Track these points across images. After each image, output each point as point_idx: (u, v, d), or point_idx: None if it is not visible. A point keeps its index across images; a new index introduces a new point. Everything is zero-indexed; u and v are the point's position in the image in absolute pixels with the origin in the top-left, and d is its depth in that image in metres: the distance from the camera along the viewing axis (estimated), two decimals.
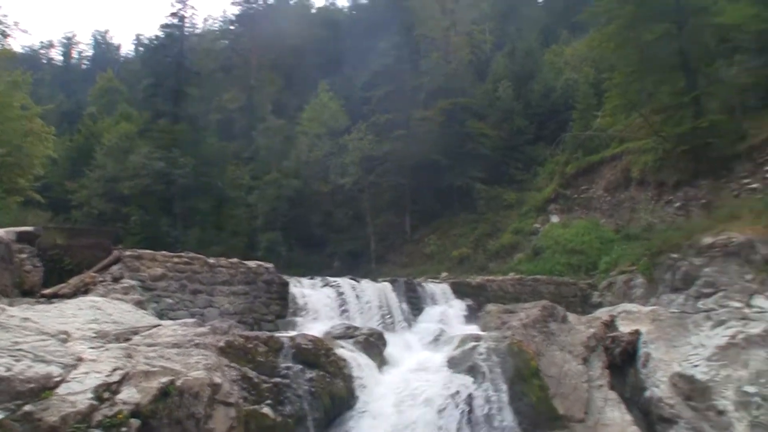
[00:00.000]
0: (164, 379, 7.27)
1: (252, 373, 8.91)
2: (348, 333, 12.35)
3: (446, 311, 17.17)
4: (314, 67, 57.08)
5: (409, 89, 41.60)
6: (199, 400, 7.46)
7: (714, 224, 19.10)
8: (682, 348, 13.04)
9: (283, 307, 15.10)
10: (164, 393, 7.16)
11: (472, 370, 11.01)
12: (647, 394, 11.95)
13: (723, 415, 11.04)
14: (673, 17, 24.49)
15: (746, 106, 23.97)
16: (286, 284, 15.40)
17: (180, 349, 8.47)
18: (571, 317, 14.69)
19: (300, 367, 9.68)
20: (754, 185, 21.39)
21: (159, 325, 9.64)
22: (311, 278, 16.56)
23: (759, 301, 15.56)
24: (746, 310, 14.83)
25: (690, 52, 24.44)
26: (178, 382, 7.37)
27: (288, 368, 9.54)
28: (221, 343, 9.10)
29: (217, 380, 7.91)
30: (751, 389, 11.40)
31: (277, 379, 9.18)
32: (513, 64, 44.98)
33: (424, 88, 41.63)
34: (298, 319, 14.76)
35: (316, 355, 10.14)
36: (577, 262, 24.27)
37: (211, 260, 14.64)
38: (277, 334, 10.78)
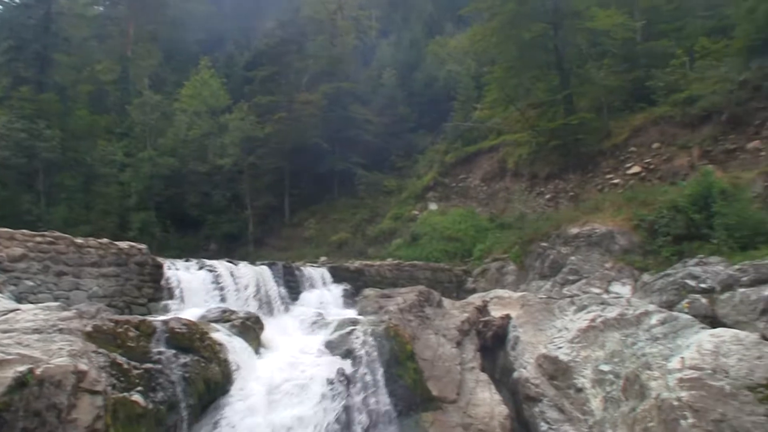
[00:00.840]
0: (21, 368, 6.68)
1: (122, 359, 8.44)
2: (224, 317, 12.03)
3: (324, 295, 17.18)
4: (196, 42, 54.82)
5: (293, 71, 41.05)
6: (61, 390, 6.96)
7: (580, 216, 20.39)
8: (548, 331, 13.83)
9: (156, 291, 14.47)
10: (21, 383, 6.56)
11: (349, 354, 11.11)
12: (515, 374, 12.57)
13: (581, 392, 11.84)
14: (550, 18, 25.74)
15: (612, 106, 25.68)
16: (159, 266, 14.76)
17: (41, 335, 7.88)
18: (446, 302, 15.16)
19: (173, 352, 9.30)
20: (616, 181, 23.02)
21: (17, 310, 8.94)
22: (186, 260, 15.97)
23: (616, 287, 16.85)
24: (605, 296, 16.02)
25: (564, 53, 25.82)
26: (38, 371, 6.83)
27: (161, 353, 9.15)
28: (88, 328, 8.57)
29: (83, 367, 7.41)
30: (606, 368, 12.30)
31: (149, 365, 8.78)
32: (398, 52, 45.53)
33: (308, 71, 41.23)
34: (173, 303, 14.22)
35: (191, 340, 9.79)
36: (453, 248, 25.03)
37: (79, 240, 13.75)
38: (149, 318, 10.29)
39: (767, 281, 13.61)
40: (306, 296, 16.88)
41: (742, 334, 12.20)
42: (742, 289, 13.74)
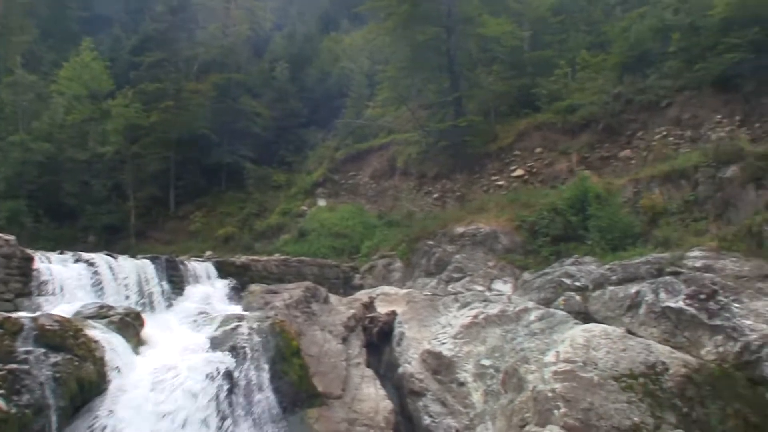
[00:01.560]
0: None
1: None
2: (101, 313, 11.36)
3: (209, 291, 16.67)
4: (78, 20, 51.63)
5: (183, 59, 39.60)
6: None
7: (466, 215, 20.99)
8: (433, 327, 14.12)
9: (25, 285, 13.39)
10: None
11: (234, 351, 10.82)
12: (400, 370, 12.73)
13: (463, 386, 12.18)
14: (444, 22, 26.34)
15: (499, 111, 26.66)
16: (30, 259, 13.68)
17: None
18: (333, 298, 15.13)
19: (43, 350, 8.64)
20: (500, 182, 23.90)
21: None
22: (61, 253, 14.91)
23: (498, 285, 17.48)
24: (487, 293, 16.54)
25: (456, 57, 26.50)
26: None
27: (28, 353, 8.47)
28: None
29: None
30: (487, 362, 12.72)
31: (14, 366, 8.11)
32: (292, 46, 44.94)
33: (198, 60, 39.91)
34: (44, 298, 13.25)
35: (63, 337, 9.14)
36: (341, 245, 25.05)
37: None
38: (15, 315, 9.54)
39: (633, 279, 14.61)
40: (190, 291, 16.28)
41: (610, 328, 13.03)
42: (611, 287, 14.66)
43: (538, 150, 24.26)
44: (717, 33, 21.99)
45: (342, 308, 14.56)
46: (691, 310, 13.36)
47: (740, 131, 20.84)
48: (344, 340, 13.27)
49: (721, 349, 12.74)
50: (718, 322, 13.07)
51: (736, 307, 13.24)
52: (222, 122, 35.81)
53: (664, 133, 22.39)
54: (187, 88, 36.42)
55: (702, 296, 13.53)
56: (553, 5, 30.18)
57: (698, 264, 14.81)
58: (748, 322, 12.95)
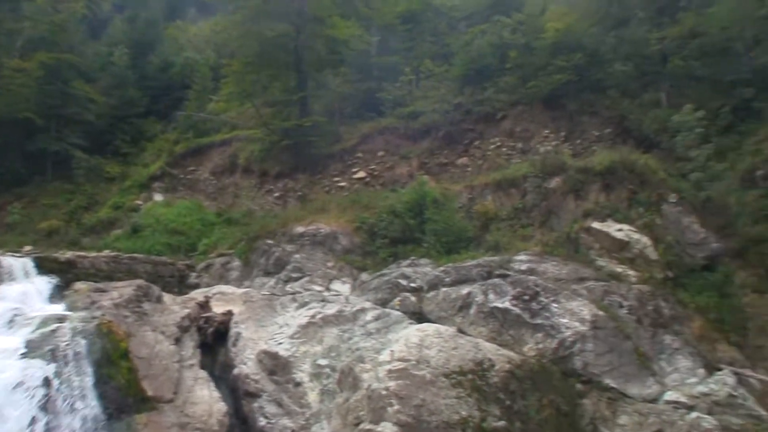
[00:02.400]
0: None
1: None
2: None
3: (27, 289, 15.21)
4: None
5: (5, 32, 35.89)
6: None
7: (306, 215, 20.89)
8: (270, 327, 13.86)
9: None
10: None
11: (54, 354, 9.90)
12: (236, 371, 12.35)
13: (299, 386, 12.05)
14: (293, 21, 26.07)
15: (344, 113, 26.86)
16: None
17: None
18: (167, 297, 14.39)
19: None
20: (342, 184, 24.07)
21: None
22: None
23: (337, 285, 17.54)
24: (326, 293, 16.56)
25: (304, 56, 26.32)
26: None
27: None
28: None
29: None
30: (323, 362, 12.70)
31: None
32: (133, 30, 42.22)
33: (23, 35, 36.35)
34: None
35: None
36: (177, 242, 23.94)
37: None
38: None
39: (466, 281, 15.31)
40: (4, 290, 14.75)
41: (442, 328, 13.53)
42: (445, 288, 15.26)
43: (381, 153, 24.75)
44: (548, 55, 23.81)
45: (176, 308, 13.87)
46: (516, 310, 14.26)
47: (564, 146, 22.65)
48: (177, 341, 12.63)
49: (540, 345, 13.70)
50: (539, 321, 14.06)
51: (555, 307, 14.32)
52: (50, 106, 32.73)
53: (499, 143, 23.78)
54: (10, 66, 32.99)
55: (526, 297, 14.48)
56: (402, 14, 31.00)
57: (524, 267, 15.86)
58: (565, 320, 14.07)
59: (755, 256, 17.83)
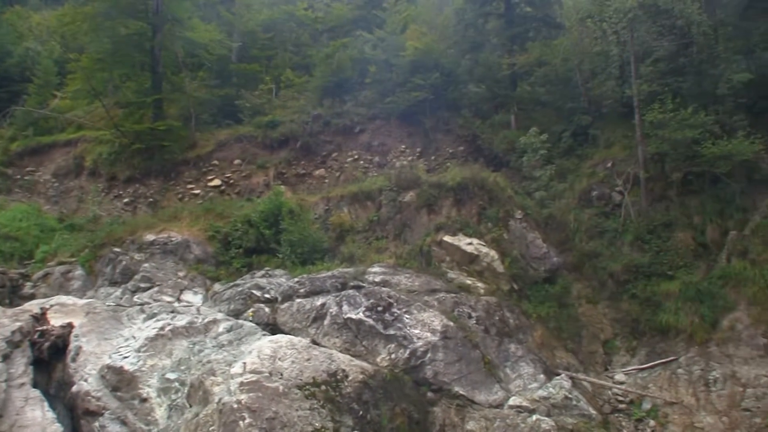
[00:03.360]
0: None
1: None
2: None
3: None
4: None
5: None
6: None
7: (158, 223, 20.06)
8: (115, 340, 13.18)
9: None
10: None
11: None
12: (75, 388, 11.61)
13: (146, 402, 11.55)
14: (150, 19, 25.06)
15: (200, 118, 26.09)
16: None
17: None
18: None
19: None
20: (196, 191, 23.35)
21: None
22: None
23: (188, 296, 16.99)
24: (176, 304, 16.01)
25: (160, 57, 25.34)
26: None
27: None
28: None
29: None
30: (172, 376, 12.26)
31: None
32: None
33: None
34: None
35: None
36: (10, 249, 21.92)
37: None
38: None
39: (320, 292, 15.42)
40: None
41: (296, 339, 13.55)
42: (299, 300, 15.28)
43: (237, 162, 24.32)
44: (406, 72, 24.65)
45: (6, 321, 12.82)
46: (370, 321, 14.57)
47: (419, 161, 23.48)
48: (6, 357, 11.69)
49: (393, 356, 14.08)
50: (392, 332, 14.46)
51: (407, 318, 14.80)
52: None
53: (356, 156, 24.21)
54: None
55: (379, 308, 14.84)
56: (264, 22, 30.72)
57: (378, 279, 16.23)
58: (416, 331, 14.58)
59: (590, 269, 19.53)
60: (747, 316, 17.17)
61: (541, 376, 15.47)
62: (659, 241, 19.37)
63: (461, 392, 14.11)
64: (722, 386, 16.10)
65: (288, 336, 13.83)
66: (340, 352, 13.78)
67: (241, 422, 10.56)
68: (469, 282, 17.11)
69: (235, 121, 25.79)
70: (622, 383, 17.05)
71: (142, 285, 17.29)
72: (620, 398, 16.61)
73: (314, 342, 14.05)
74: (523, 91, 25.58)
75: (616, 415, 16.06)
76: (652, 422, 15.73)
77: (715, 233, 19.23)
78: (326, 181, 23.42)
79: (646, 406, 16.20)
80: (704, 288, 17.93)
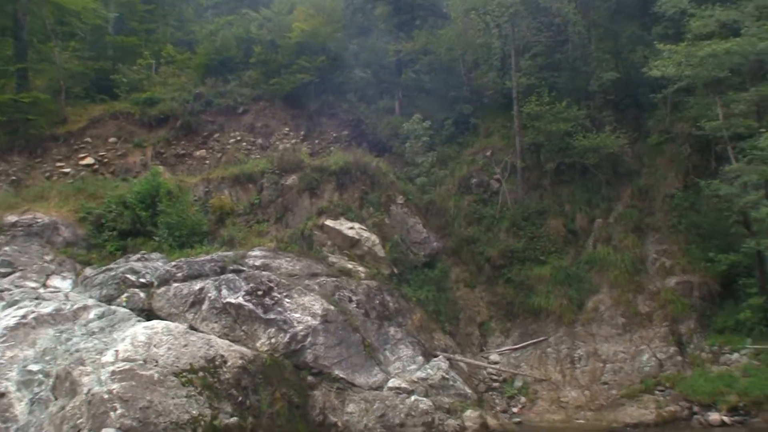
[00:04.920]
0: None
1: None
2: None
3: None
4: None
5: None
6: None
7: (21, 203, 18.71)
8: None
9: None
10: None
11: None
12: None
13: (4, 397, 10.83)
14: None
15: (71, 92, 24.48)
16: None
17: None
18: None
19: None
20: (66, 169, 21.92)
21: None
22: None
23: (55, 281, 15.99)
24: (41, 290, 15.03)
25: (25, 23, 23.44)
26: None
27: None
28: None
29: None
30: (35, 367, 11.58)
31: None
32: None
33: None
34: None
35: None
36: None
37: None
38: None
39: (199, 276, 15.07)
40: None
41: (173, 325, 13.18)
42: (176, 284, 14.85)
43: (112, 139, 23.02)
44: (292, 54, 24.28)
45: None
46: (250, 305, 14.42)
47: (303, 144, 23.30)
48: None
49: (273, 340, 14.03)
50: (272, 316, 14.39)
51: (288, 302, 14.79)
52: None
53: (239, 137, 23.65)
54: None
55: (260, 292, 14.72)
56: None
57: (258, 263, 16.05)
58: (297, 315, 14.59)
59: (468, 254, 20.28)
60: (609, 297, 18.56)
61: (420, 358, 15.95)
62: (533, 228, 20.44)
63: (341, 375, 14.31)
64: (585, 363, 17.34)
65: (164, 322, 13.43)
66: (219, 337, 13.56)
67: (112, 413, 10.17)
68: (350, 266, 17.29)
69: (110, 96, 24.38)
70: (496, 363, 17.92)
71: (3, 270, 16.06)
72: (494, 377, 17.49)
73: (192, 327, 13.74)
74: (408, 78, 25.94)
75: (491, 393, 16.91)
76: (522, 399, 16.69)
77: (583, 221, 20.54)
78: (207, 162, 22.72)
79: (518, 383, 17.16)
80: (573, 272, 19.18)
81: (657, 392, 15.98)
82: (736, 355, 16.22)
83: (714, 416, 14.60)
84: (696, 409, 15.08)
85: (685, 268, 18.48)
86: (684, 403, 15.31)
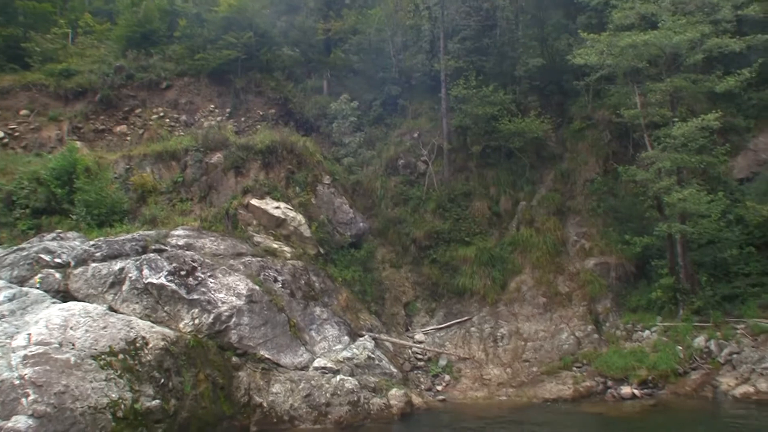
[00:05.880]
0: None
1: None
2: None
3: None
4: None
5: None
6: None
7: None
8: None
9: None
10: None
11: None
12: None
13: None
14: None
15: None
16: None
17: None
18: None
19: None
20: None
21: None
22: None
23: None
24: None
25: None
26: None
27: None
28: None
29: None
30: None
31: None
32: None
33: None
34: None
35: None
36: None
37: None
38: None
39: (119, 256, 14.55)
40: None
41: (91, 306, 12.69)
42: (95, 264, 14.28)
43: (24, 112, 21.83)
44: (218, 29, 23.68)
45: None
46: (172, 285, 14.05)
47: (229, 122, 22.82)
48: None
49: (197, 321, 13.75)
50: (196, 297, 14.09)
51: (212, 282, 14.51)
52: None
53: (162, 114, 22.94)
54: None
55: (183, 272, 14.37)
56: None
57: (181, 242, 15.65)
58: (221, 295, 14.35)
59: (394, 235, 20.47)
60: (531, 278, 19.17)
61: (346, 337, 16.02)
62: (459, 210, 20.81)
63: (267, 356, 14.21)
64: (508, 341, 17.87)
65: (82, 303, 12.92)
66: (141, 318, 13.17)
67: (23, 399, 9.73)
68: (275, 246, 17.13)
69: (21, 66, 23.11)
70: (421, 342, 18.22)
71: None
72: (419, 356, 17.79)
73: (112, 309, 13.30)
74: (337, 57, 25.77)
75: (416, 372, 17.19)
76: (447, 377, 17.05)
77: (507, 203, 21.06)
78: (128, 138, 21.92)
79: (443, 362, 17.51)
80: (496, 253, 19.68)
81: (575, 368, 16.71)
82: (647, 333, 17.13)
83: (626, 390, 15.40)
84: (610, 383, 15.87)
85: (603, 250, 19.32)
86: (599, 379, 16.07)
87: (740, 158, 19.50)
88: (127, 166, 19.01)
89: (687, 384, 15.32)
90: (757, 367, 15.04)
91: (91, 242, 15.00)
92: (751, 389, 14.57)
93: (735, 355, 15.65)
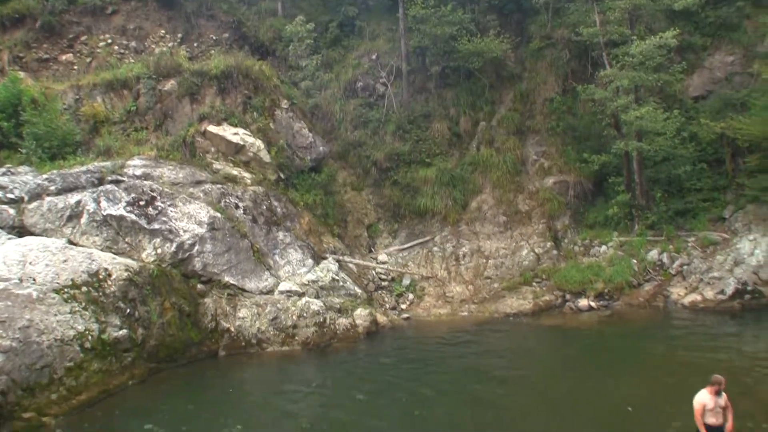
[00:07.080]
0: None
1: None
2: None
3: None
4: None
5: None
6: None
7: None
8: None
9: None
10: None
11: None
12: None
13: None
14: None
15: None
16: None
17: None
18: None
19: None
20: None
21: None
22: None
23: None
24: None
25: None
26: None
27: None
28: None
29: None
30: None
31: None
32: None
33: None
34: None
35: None
36: None
37: None
38: None
39: (74, 189, 14.24)
40: None
41: (49, 241, 12.52)
42: (50, 198, 13.96)
43: None
44: None
45: None
46: (132, 216, 13.89)
47: (180, 48, 22.00)
48: None
49: (159, 250, 13.69)
50: (157, 226, 13.97)
51: (172, 212, 14.38)
52: None
53: (110, 41, 21.96)
54: None
55: (142, 203, 14.19)
56: None
57: (138, 172, 15.34)
58: (182, 224, 14.26)
59: (354, 158, 20.40)
60: (491, 197, 19.44)
61: (309, 261, 16.18)
62: (419, 131, 20.75)
63: (232, 282, 14.32)
64: (469, 260, 18.27)
65: (39, 238, 12.73)
66: (102, 250, 13.06)
67: None
68: (235, 172, 16.95)
69: None
70: (384, 263, 18.51)
71: None
72: (383, 277, 18.11)
73: (71, 242, 13.12)
74: None
75: (380, 292, 17.54)
76: (410, 296, 17.46)
77: (467, 124, 21.04)
78: (75, 67, 20.98)
79: (406, 282, 17.87)
80: (457, 174, 19.83)
81: (534, 284, 17.31)
82: (603, 248, 17.71)
83: (583, 302, 16.08)
84: (568, 297, 16.55)
85: (562, 169, 19.66)
86: (558, 293, 16.71)
87: (696, 76, 19.67)
88: (77, 97, 18.33)
89: (640, 295, 16.07)
90: (705, 276, 15.83)
91: (45, 176, 14.61)
92: (699, 297, 15.41)
93: (685, 266, 16.43)
